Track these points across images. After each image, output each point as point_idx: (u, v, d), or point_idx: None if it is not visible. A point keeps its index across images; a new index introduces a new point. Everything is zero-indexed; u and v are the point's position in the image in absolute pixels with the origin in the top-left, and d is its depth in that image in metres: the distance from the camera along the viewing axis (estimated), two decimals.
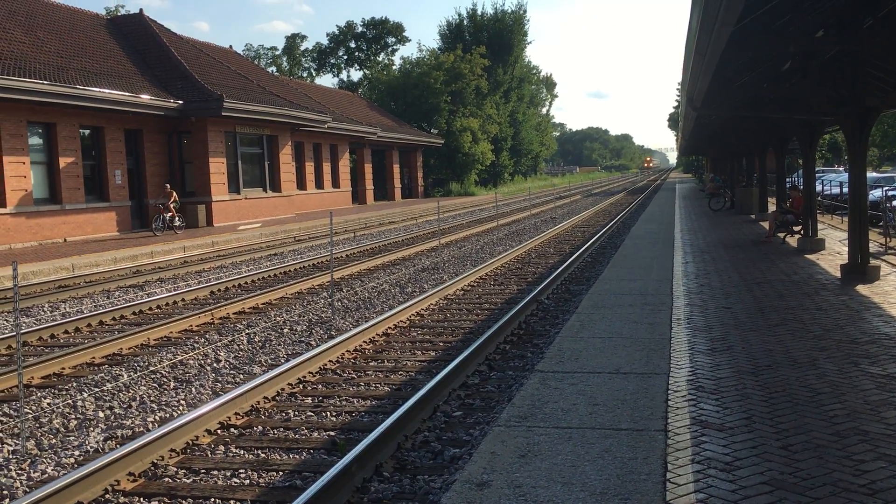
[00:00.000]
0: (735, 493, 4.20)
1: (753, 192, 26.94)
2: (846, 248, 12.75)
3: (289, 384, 8.06)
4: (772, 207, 22.85)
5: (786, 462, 4.62)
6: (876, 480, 4.32)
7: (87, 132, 25.85)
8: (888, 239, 16.24)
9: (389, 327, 10.77)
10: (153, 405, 7.53)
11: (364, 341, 9.92)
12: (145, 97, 26.47)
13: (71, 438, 6.64)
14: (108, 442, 6.56)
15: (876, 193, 20.27)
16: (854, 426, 5.20)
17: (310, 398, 7.75)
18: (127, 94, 25.62)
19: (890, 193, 18.96)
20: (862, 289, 10.74)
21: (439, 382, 7.46)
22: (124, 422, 7.05)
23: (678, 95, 78.98)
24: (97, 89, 24.21)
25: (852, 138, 11.52)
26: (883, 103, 11.52)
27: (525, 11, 78.74)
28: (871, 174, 28.88)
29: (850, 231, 12.03)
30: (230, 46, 43.80)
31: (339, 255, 20.05)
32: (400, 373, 8.58)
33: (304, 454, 6.21)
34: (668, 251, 15.90)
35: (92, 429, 6.86)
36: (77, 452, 6.30)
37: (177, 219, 26.16)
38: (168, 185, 26.92)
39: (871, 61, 10.80)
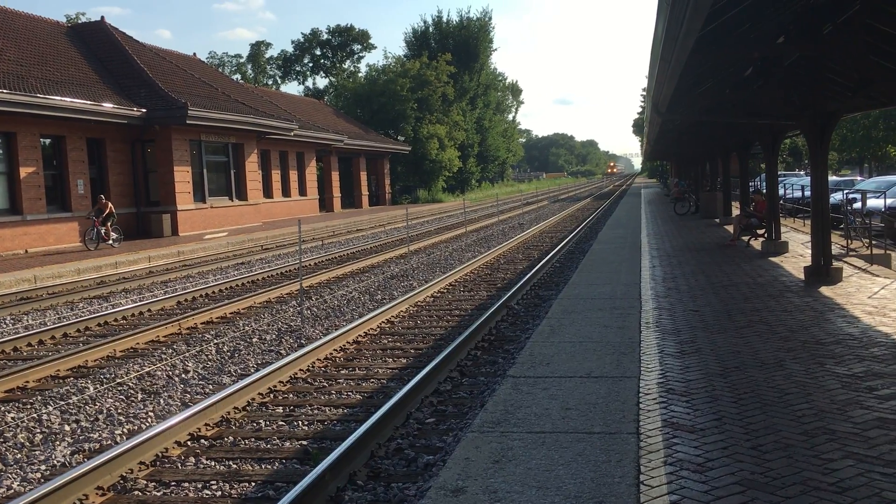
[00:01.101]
0: (707, 494, 4.24)
1: (718, 197, 27.31)
2: (809, 251, 12.97)
3: (259, 394, 7.98)
4: (736, 211, 23.19)
5: (756, 462, 4.68)
6: (844, 479, 4.39)
7: (48, 141, 25.42)
8: (850, 241, 16.55)
9: (360, 335, 10.72)
10: (121, 418, 7.41)
11: (335, 349, 9.87)
12: (107, 105, 26.11)
13: (37, 453, 6.51)
14: (76, 456, 6.45)
15: (837, 196, 20.66)
16: (822, 425, 5.29)
17: (281, 408, 7.69)
18: (88, 102, 25.25)
19: (850, 196, 19.33)
20: (825, 290, 10.93)
21: (411, 389, 7.45)
22: (91, 435, 6.93)
23: (643, 101, 79.91)
24: (58, 98, 23.83)
25: (813, 142, 11.74)
26: (843, 108, 11.76)
27: (490, 18, 79.30)
28: (831, 178, 29.44)
29: (813, 234, 12.24)
30: (194, 54, 43.41)
31: (307, 263, 19.94)
32: (371, 380, 8.54)
33: (277, 464, 6.16)
34: (635, 255, 16.04)
35: (58, 443, 6.74)
36: (44, 467, 6.18)
37: (112, 232, 24.31)
38: (102, 197, 25.09)
39: (831, 66, 11.02)
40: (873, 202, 19.00)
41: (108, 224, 24.14)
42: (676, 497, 4.21)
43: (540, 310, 12.30)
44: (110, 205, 24.57)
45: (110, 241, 23.98)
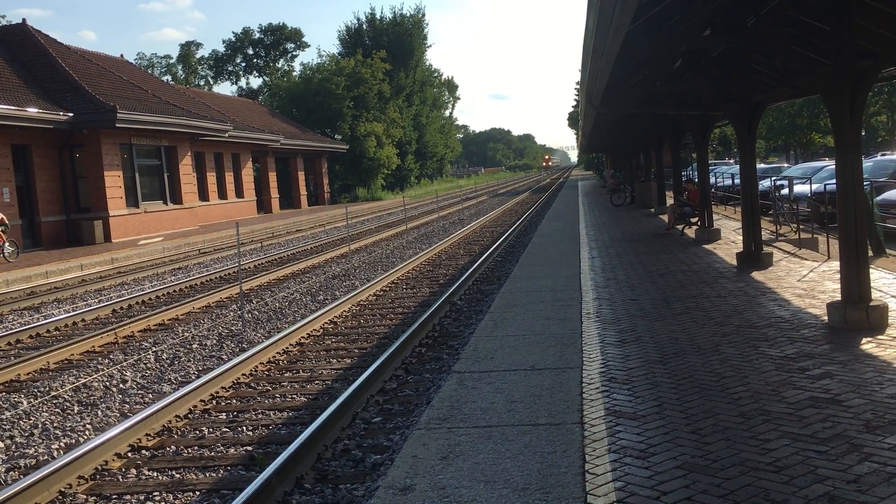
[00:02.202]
0: (651, 479, 4.33)
1: (652, 187, 27.83)
2: (740, 237, 13.33)
3: (201, 401, 7.85)
4: (670, 201, 23.67)
5: (696, 446, 4.80)
6: (781, 458, 4.53)
7: None
8: (778, 227, 17.05)
9: (303, 337, 10.63)
10: (57, 431, 7.20)
11: (277, 352, 9.75)
12: (32, 110, 25.28)
13: None
14: (11, 473, 6.24)
15: (765, 183, 21.25)
16: (758, 407, 5.44)
17: (224, 414, 7.57)
18: (12, 107, 24.42)
19: (778, 183, 19.92)
20: (757, 275, 11.25)
21: (357, 389, 7.42)
22: (27, 451, 6.72)
23: (577, 95, 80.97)
24: None
25: (741, 131, 12.05)
26: (769, 97, 12.10)
27: (424, 15, 79.19)
28: (759, 165, 30.24)
29: (744, 220, 12.59)
30: (121, 56, 42.34)
31: (246, 266, 19.66)
32: (316, 382, 8.48)
33: (222, 472, 6.07)
34: (574, 247, 16.25)
35: None
36: None
37: (7, 245, 22.26)
38: None
39: (757, 57, 11.32)
40: (800, 188, 19.59)
41: (3, 236, 22.28)
42: (621, 483, 4.29)
43: (482, 304, 12.37)
44: (2, 215, 22.67)
45: (4, 254, 22.19)
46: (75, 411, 7.83)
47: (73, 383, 8.81)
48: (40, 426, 7.37)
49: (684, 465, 4.50)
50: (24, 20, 32.70)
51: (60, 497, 5.69)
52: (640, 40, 9.18)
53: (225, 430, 7.08)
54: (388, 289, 14.69)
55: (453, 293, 12.93)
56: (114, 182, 28.71)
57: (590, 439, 4.97)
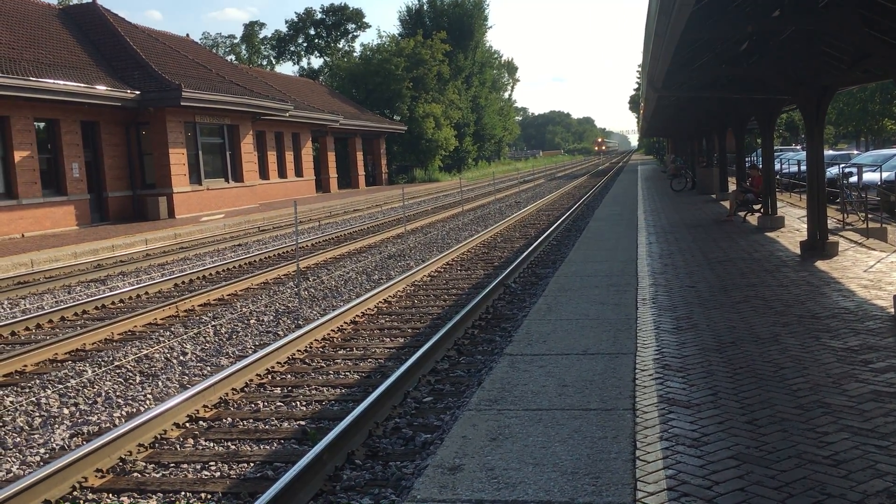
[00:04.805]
0: (703, 469, 4.27)
1: (714, 173, 27.27)
2: (805, 226, 12.98)
3: (257, 375, 8.00)
4: (732, 187, 23.14)
5: (751, 436, 4.71)
6: (839, 452, 4.42)
7: (42, 125, 25.29)
8: (845, 215, 16.55)
9: (357, 315, 10.73)
10: (119, 400, 7.43)
11: (332, 330, 9.88)
12: (101, 88, 25.94)
13: (35, 436, 6.53)
14: (74, 439, 6.47)
15: (833, 171, 20.64)
16: (817, 399, 5.31)
17: (279, 388, 7.71)
18: (82, 85, 25.09)
19: (847, 170, 19.31)
20: (821, 264, 10.95)
21: (409, 369, 7.47)
22: (90, 418, 6.95)
23: (639, 77, 79.51)
24: (51, 81, 23.68)
25: (809, 117, 11.70)
26: (838, 81, 11.72)
27: None
28: (827, 152, 29.36)
29: (809, 208, 12.24)
30: (187, 35, 43.12)
31: (304, 244, 19.92)
32: (369, 360, 8.56)
33: (275, 444, 6.18)
34: (632, 232, 16.04)
35: (57, 426, 6.76)
36: (42, 450, 6.21)
37: None
38: None
39: (827, 40, 10.96)
40: (869, 176, 18.98)
41: None
42: (672, 472, 4.24)
43: (537, 288, 12.31)
44: None
45: None
46: (137, 381, 8.07)
47: (136, 354, 9.07)
48: (103, 395, 7.62)
49: (738, 456, 4.42)
50: (94, 0, 33.51)
51: (121, 463, 5.87)
52: (705, 21, 8.97)
53: (279, 404, 7.21)
54: (442, 270, 14.73)
55: (508, 276, 12.90)
56: (178, 159, 29.34)
57: (642, 426, 4.92)
